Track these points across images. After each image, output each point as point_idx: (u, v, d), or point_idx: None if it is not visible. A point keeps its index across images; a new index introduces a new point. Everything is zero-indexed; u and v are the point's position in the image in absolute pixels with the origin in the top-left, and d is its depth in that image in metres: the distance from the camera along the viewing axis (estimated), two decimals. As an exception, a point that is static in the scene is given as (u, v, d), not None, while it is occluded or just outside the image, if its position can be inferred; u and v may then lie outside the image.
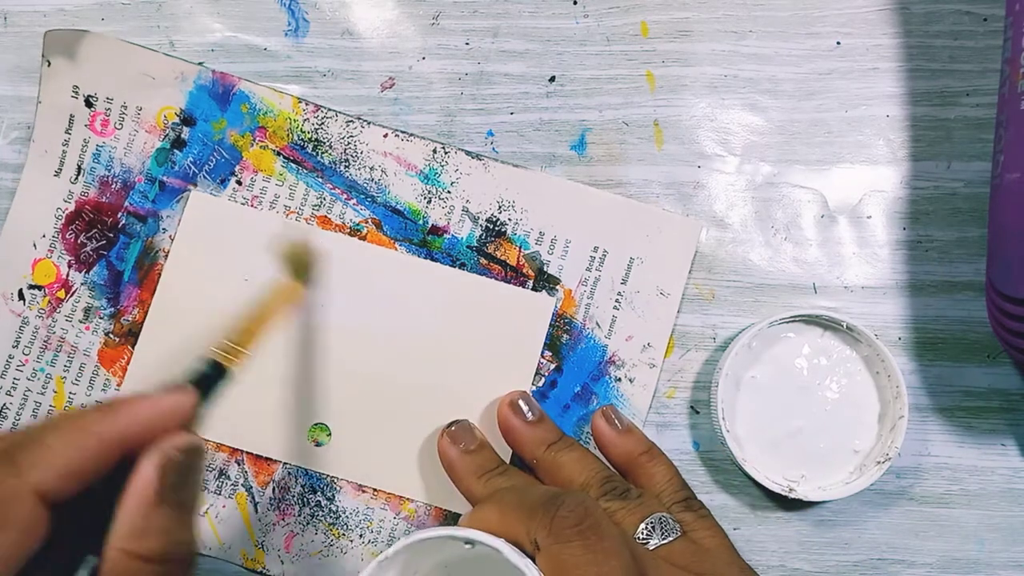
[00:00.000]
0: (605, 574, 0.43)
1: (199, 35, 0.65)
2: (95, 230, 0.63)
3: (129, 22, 0.65)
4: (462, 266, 0.63)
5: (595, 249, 0.63)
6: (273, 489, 0.62)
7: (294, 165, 0.63)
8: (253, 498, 0.62)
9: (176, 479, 0.41)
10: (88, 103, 0.63)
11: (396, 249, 0.63)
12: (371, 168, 0.63)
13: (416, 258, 0.63)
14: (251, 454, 0.62)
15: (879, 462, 0.59)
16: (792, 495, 0.59)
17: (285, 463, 0.62)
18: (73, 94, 0.63)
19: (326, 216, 0.63)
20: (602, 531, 0.45)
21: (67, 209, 0.63)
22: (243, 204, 0.63)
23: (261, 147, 0.63)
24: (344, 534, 0.62)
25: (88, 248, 0.63)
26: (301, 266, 0.61)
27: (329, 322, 0.62)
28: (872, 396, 0.61)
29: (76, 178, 0.63)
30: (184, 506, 0.41)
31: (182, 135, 0.63)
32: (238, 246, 0.63)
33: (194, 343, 0.62)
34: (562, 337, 0.62)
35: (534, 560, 0.46)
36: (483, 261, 0.63)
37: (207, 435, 0.62)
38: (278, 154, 0.63)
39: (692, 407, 0.63)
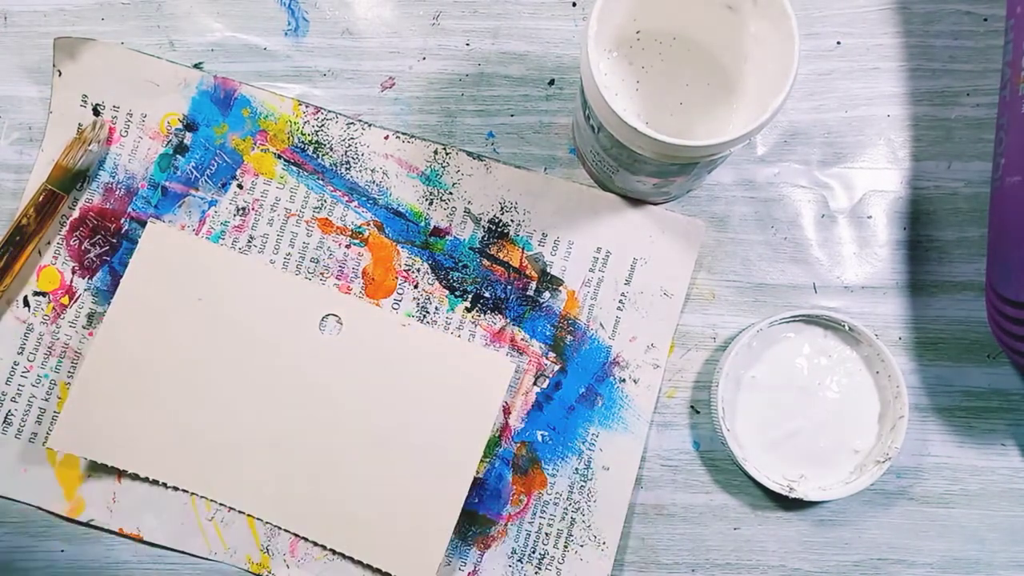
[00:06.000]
0: None
1: (199, 35, 0.65)
2: (99, 236, 0.63)
3: (129, 22, 0.65)
4: (464, 267, 0.63)
5: (598, 250, 0.63)
6: (277, 491, 0.63)
7: (295, 168, 0.63)
8: (257, 500, 0.63)
9: None
10: (96, 111, 0.64)
11: (399, 252, 0.63)
12: (372, 170, 0.63)
13: (375, 309, 0.63)
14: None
15: (879, 462, 0.59)
16: (792, 495, 0.59)
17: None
18: (82, 103, 0.64)
19: (327, 219, 0.63)
20: None
21: (71, 216, 0.63)
22: (219, 238, 0.63)
23: (262, 150, 0.63)
24: (348, 535, 0.62)
25: (92, 254, 0.63)
26: None
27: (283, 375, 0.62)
28: (872, 396, 0.61)
29: (81, 186, 0.63)
30: None
31: (184, 140, 0.63)
32: (192, 277, 0.63)
33: (141, 378, 0.62)
34: (566, 338, 0.63)
35: None
36: (485, 263, 0.63)
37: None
38: (279, 157, 0.63)
39: (692, 407, 0.63)
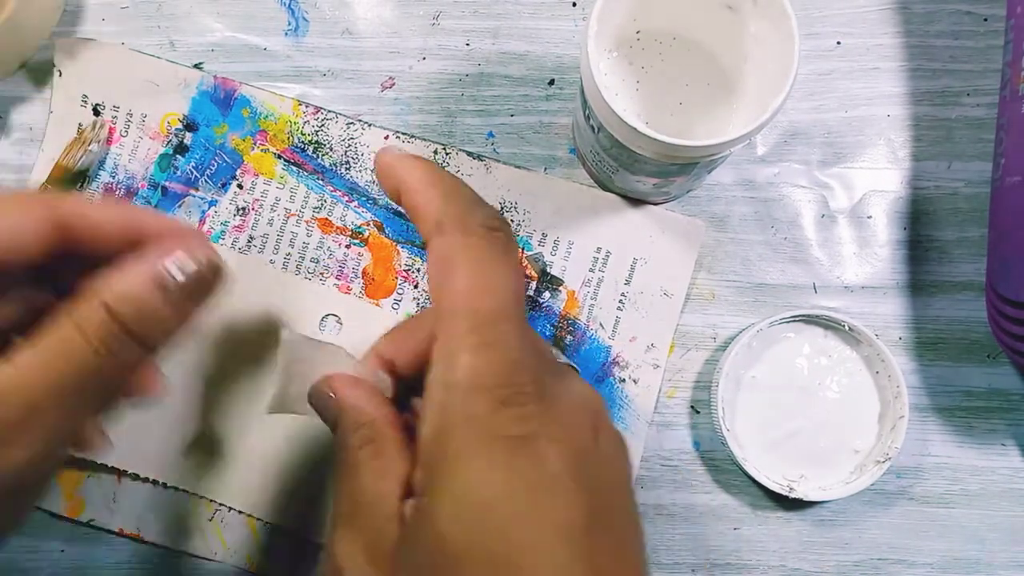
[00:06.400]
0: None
1: (199, 35, 0.65)
2: (98, 236, 0.63)
3: (129, 22, 0.65)
4: (464, 268, 0.63)
5: (598, 250, 0.63)
6: (277, 491, 0.63)
7: (295, 168, 0.63)
8: (258, 500, 0.63)
9: (192, 287, 0.44)
10: (96, 111, 0.64)
11: (399, 252, 0.63)
12: (372, 170, 0.63)
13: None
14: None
15: (879, 462, 0.59)
16: (792, 495, 0.59)
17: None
18: (82, 103, 0.64)
19: (327, 219, 0.63)
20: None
21: (71, 216, 0.63)
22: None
23: (262, 150, 0.63)
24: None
25: (91, 254, 0.63)
26: None
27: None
28: (872, 396, 0.61)
29: (81, 186, 0.63)
30: (179, 316, 0.44)
31: (184, 140, 0.63)
32: None
33: None
34: (566, 338, 0.63)
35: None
36: (485, 263, 0.63)
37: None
38: (279, 157, 0.63)
39: (692, 407, 0.63)
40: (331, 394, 0.45)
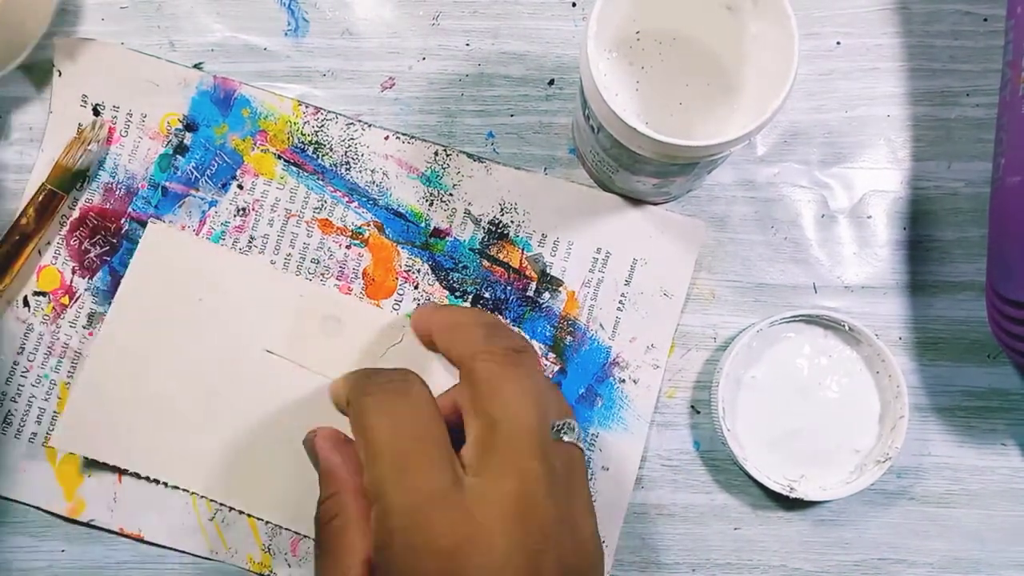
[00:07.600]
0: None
1: (199, 35, 0.65)
2: (99, 236, 0.63)
3: (129, 22, 0.65)
4: (464, 268, 0.63)
5: (598, 250, 0.63)
6: (277, 491, 0.63)
7: (295, 168, 0.63)
8: (258, 501, 0.63)
9: None
10: (96, 111, 0.64)
11: (399, 253, 0.63)
12: (372, 171, 0.63)
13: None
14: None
15: (879, 462, 0.59)
16: (793, 495, 0.59)
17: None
18: (82, 103, 0.64)
19: (327, 219, 0.63)
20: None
21: (71, 216, 0.63)
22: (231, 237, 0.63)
23: (262, 151, 0.63)
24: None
25: (92, 254, 0.63)
26: None
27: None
28: (872, 396, 0.61)
29: (81, 185, 0.63)
30: None
31: (184, 141, 0.63)
32: (192, 278, 0.62)
33: (141, 378, 0.62)
34: (566, 339, 0.63)
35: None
36: (485, 263, 0.63)
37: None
38: (279, 157, 0.63)
39: (693, 407, 0.63)
40: (315, 451, 0.52)
